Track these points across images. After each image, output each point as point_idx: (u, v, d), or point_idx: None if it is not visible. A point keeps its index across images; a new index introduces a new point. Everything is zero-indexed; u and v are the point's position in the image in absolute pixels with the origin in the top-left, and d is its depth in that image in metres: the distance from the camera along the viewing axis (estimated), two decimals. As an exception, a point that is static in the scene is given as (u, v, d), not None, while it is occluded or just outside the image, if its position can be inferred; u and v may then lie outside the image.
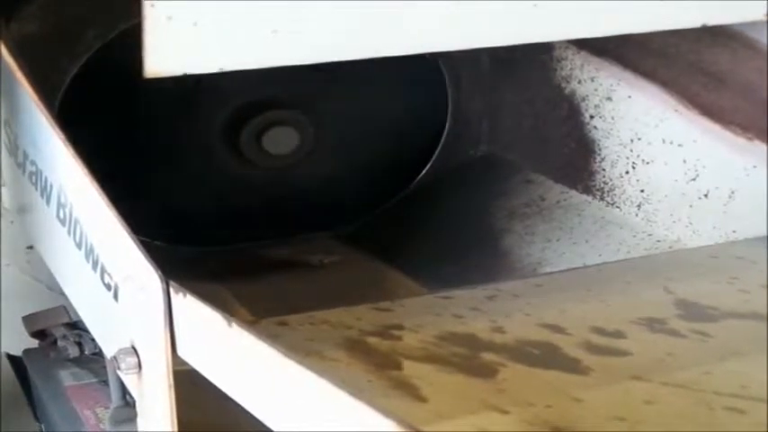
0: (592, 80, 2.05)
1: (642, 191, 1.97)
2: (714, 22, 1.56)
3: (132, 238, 1.26)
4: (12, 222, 1.86)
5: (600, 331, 1.31)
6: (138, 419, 1.34)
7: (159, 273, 1.20)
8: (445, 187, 2.37)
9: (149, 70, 1.19)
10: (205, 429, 1.38)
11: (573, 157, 2.11)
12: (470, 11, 1.35)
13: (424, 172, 2.40)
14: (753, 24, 1.73)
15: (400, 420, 0.84)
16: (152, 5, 1.17)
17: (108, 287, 1.34)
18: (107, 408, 1.65)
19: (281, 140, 2.22)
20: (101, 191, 1.34)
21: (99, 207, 1.33)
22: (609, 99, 2.01)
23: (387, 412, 0.85)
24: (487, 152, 2.39)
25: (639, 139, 1.96)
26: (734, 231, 1.79)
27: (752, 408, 1.11)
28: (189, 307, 1.17)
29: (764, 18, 1.56)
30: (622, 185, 2.01)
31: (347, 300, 1.43)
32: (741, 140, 1.78)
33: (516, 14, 1.38)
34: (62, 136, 1.43)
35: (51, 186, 1.51)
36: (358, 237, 2.35)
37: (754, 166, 1.75)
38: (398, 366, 1.22)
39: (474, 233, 2.21)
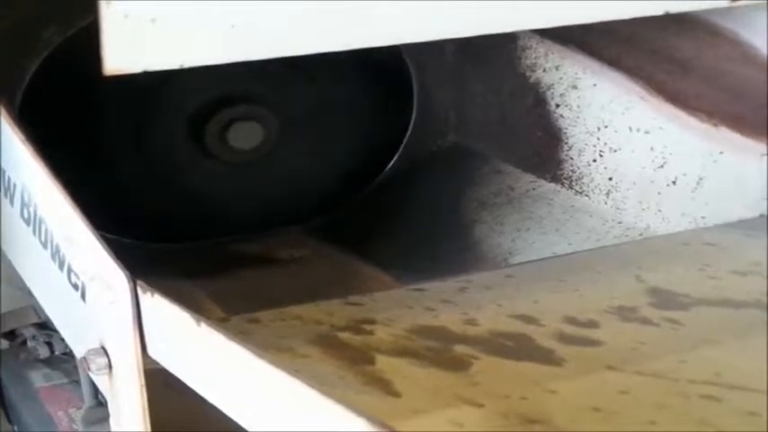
0: (557, 69, 2.05)
1: (610, 179, 1.97)
2: (677, 9, 1.56)
3: (97, 238, 1.25)
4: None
5: (572, 321, 1.31)
6: (111, 419, 1.33)
7: (126, 272, 1.19)
8: (414, 178, 2.37)
9: (108, 68, 1.18)
10: (177, 428, 1.37)
11: (540, 146, 2.11)
12: (434, 2, 1.34)
13: (392, 163, 2.40)
14: (716, 11, 1.73)
15: (372, 418, 0.83)
16: (108, 4, 1.16)
17: (75, 287, 1.33)
18: (80, 408, 1.64)
19: (246, 135, 2.21)
20: (64, 190, 1.32)
21: (63, 206, 1.32)
22: (574, 87, 2.01)
23: (358, 410, 0.84)
24: (455, 142, 2.38)
25: (606, 126, 1.96)
26: (703, 217, 1.79)
27: (727, 395, 1.11)
28: (157, 306, 1.16)
29: (728, 5, 1.56)
30: (590, 174, 2.01)
31: (319, 294, 1.43)
32: (707, 127, 1.78)
33: (480, 5, 1.38)
34: (21, 136, 1.42)
35: (15, 186, 1.49)
36: (328, 230, 2.35)
37: (721, 152, 1.76)
38: (371, 361, 1.21)
39: (444, 224, 2.21)
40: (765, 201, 1.69)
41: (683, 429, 1.04)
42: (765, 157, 1.69)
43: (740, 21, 1.73)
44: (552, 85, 2.06)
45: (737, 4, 1.57)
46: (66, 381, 1.81)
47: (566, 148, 2.05)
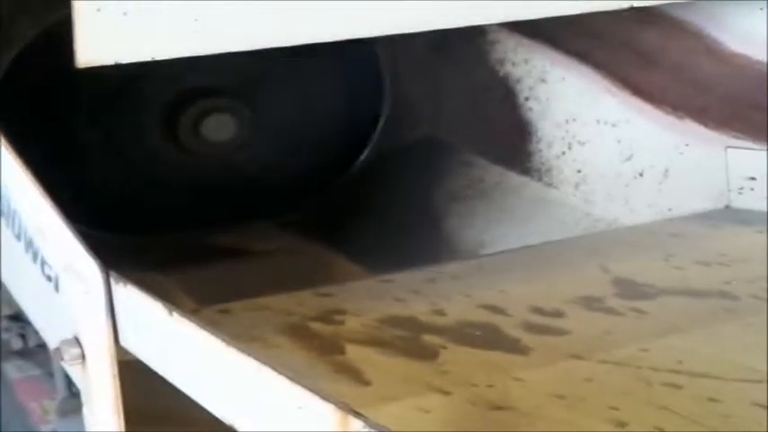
0: (526, 62, 2.06)
1: (579, 171, 1.99)
2: (642, 3, 1.58)
3: (71, 229, 1.25)
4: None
5: (539, 311, 1.33)
6: (84, 409, 1.34)
7: (99, 263, 1.20)
8: (386, 171, 2.38)
9: (81, 60, 1.20)
10: (150, 417, 1.38)
11: (510, 138, 2.13)
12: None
13: (364, 156, 2.41)
14: (680, 5, 1.75)
15: (340, 404, 0.85)
16: None
17: (48, 278, 1.33)
18: (53, 399, 1.64)
19: (219, 128, 2.22)
20: (37, 182, 1.33)
21: (36, 198, 1.33)
22: (543, 81, 2.03)
23: (327, 396, 0.86)
24: (427, 135, 2.39)
25: (574, 119, 1.98)
26: (669, 209, 1.81)
27: (689, 382, 1.13)
28: (130, 297, 1.17)
29: (691, -1, 1.58)
30: (559, 166, 2.03)
31: (291, 286, 1.44)
32: (672, 119, 1.80)
33: (450, -1, 1.40)
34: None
35: (-12, 179, 1.50)
36: (300, 223, 2.36)
37: (687, 144, 1.78)
38: (341, 350, 1.23)
39: (416, 216, 2.22)
40: (730, 192, 1.71)
41: (645, 415, 1.07)
42: (729, 149, 1.71)
43: (704, 15, 1.75)
44: (521, 78, 2.08)
45: (700, -3, 1.60)
46: (39, 372, 1.82)
47: (535, 140, 2.07)
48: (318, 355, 1.22)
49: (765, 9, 1.70)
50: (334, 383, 1.14)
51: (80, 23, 1.19)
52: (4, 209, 1.46)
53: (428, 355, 1.22)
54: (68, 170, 2.14)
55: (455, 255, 2.07)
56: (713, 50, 1.76)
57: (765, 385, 1.11)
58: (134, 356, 1.20)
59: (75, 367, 1.29)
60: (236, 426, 1.02)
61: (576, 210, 1.98)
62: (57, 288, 1.31)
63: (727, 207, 1.71)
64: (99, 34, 1.21)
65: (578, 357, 1.20)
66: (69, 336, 1.28)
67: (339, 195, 2.39)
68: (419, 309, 1.34)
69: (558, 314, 1.32)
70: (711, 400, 1.09)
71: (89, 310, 1.23)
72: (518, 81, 2.08)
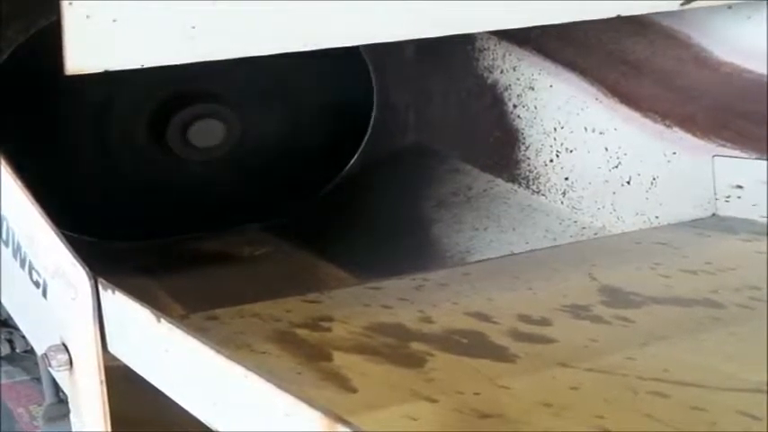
0: (514, 70, 2.07)
1: (566, 179, 1.99)
2: (628, 12, 1.59)
3: (58, 235, 1.26)
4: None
5: (526, 319, 1.33)
6: (72, 415, 1.34)
7: (87, 269, 1.20)
8: (374, 177, 2.39)
9: (70, 67, 1.20)
10: (137, 423, 1.38)
11: (498, 146, 2.13)
12: (392, 4, 1.36)
13: (352, 162, 2.42)
14: (668, 14, 1.76)
15: (326, 410, 0.85)
16: (70, 4, 1.18)
17: (37, 285, 1.33)
18: (41, 405, 1.64)
19: (207, 133, 2.22)
20: (24, 188, 1.33)
21: (24, 204, 1.33)
22: (531, 88, 2.04)
23: (314, 403, 0.86)
24: (415, 141, 2.40)
25: (562, 127, 1.99)
26: (657, 217, 1.82)
27: (674, 390, 1.13)
28: (118, 303, 1.17)
29: (678, 8, 1.59)
30: (547, 174, 2.03)
31: (279, 291, 1.44)
32: (660, 127, 1.81)
33: (437, 7, 1.40)
34: (-17, 135, 1.42)
35: (-24, 185, 1.49)
36: (288, 228, 2.36)
37: (674, 153, 1.78)
38: (328, 357, 1.23)
39: (403, 223, 2.22)
40: (717, 200, 1.72)
41: (630, 424, 1.07)
42: (716, 158, 1.72)
43: (692, 23, 1.76)
44: (509, 86, 2.08)
45: (687, 7, 1.60)
46: (27, 378, 1.82)
47: (523, 148, 2.07)
48: (305, 362, 1.22)
49: (755, 17, 1.71)
50: (321, 390, 1.14)
51: (69, 30, 1.19)
52: (-7, 214, 1.46)
53: (415, 362, 1.22)
54: (56, 176, 2.14)
55: (442, 261, 2.07)
56: (701, 59, 1.77)
57: (751, 394, 1.11)
58: (121, 362, 1.20)
59: (63, 373, 1.29)
60: (223, 432, 1.02)
61: (563, 217, 1.99)
62: (45, 294, 1.31)
63: (714, 215, 1.71)
64: (88, 41, 1.21)
65: (565, 365, 1.20)
66: (57, 342, 1.28)
67: (327, 202, 2.39)
68: (406, 316, 1.35)
69: (544, 322, 1.32)
70: (697, 408, 1.09)
71: (77, 316, 1.23)
72: (506, 88, 2.09)
